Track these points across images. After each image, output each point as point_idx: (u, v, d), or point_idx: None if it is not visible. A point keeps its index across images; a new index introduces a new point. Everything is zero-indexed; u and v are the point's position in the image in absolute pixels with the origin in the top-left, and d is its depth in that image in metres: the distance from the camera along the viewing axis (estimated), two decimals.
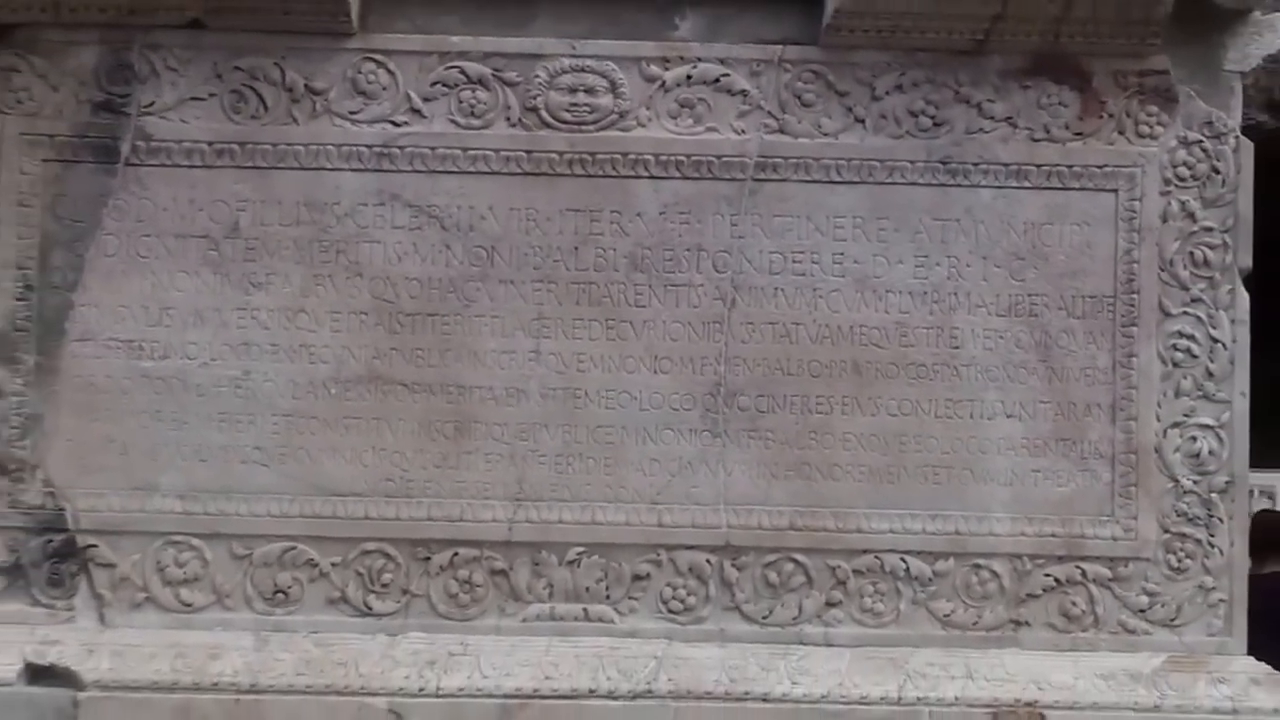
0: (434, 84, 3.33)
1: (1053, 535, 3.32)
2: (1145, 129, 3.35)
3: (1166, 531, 3.33)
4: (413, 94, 3.33)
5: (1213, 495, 3.33)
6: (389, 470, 3.30)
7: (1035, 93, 3.35)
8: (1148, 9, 3.28)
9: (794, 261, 3.33)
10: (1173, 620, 3.33)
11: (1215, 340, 3.33)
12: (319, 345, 3.30)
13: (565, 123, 3.33)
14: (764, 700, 3.25)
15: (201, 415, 3.29)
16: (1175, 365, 3.33)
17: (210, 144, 3.31)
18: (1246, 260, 3.35)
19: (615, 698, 3.24)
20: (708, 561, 3.32)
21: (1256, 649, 3.37)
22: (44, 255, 3.29)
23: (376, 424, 3.31)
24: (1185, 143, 3.35)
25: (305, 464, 3.30)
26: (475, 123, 3.33)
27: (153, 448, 3.30)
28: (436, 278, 3.32)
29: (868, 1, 3.25)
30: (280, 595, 3.30)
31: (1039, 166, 3.34)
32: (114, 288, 3.29)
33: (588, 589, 3.32)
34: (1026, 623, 3.33)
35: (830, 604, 3.33)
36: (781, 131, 3.34)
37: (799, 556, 3.32)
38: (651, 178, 3.33)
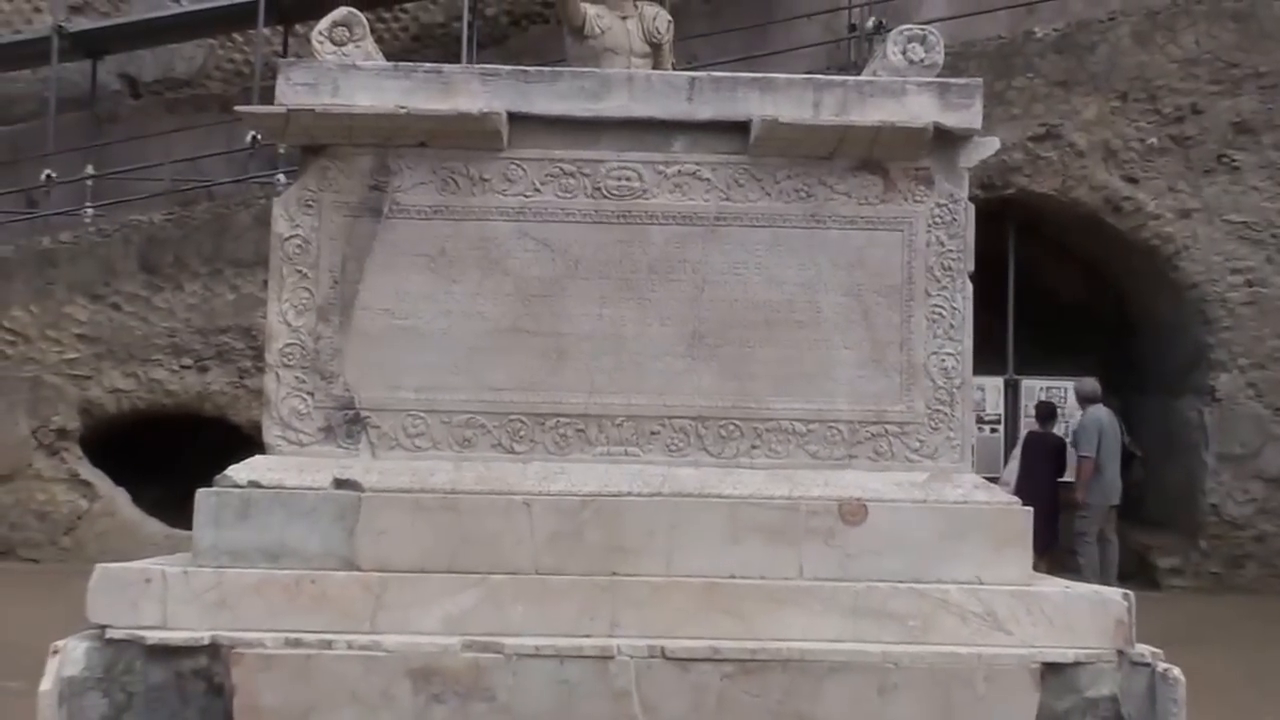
0: (546, 175, 6.54)
1: (869, 410, 6.51)
2: (917, 198, 6.58)
3: (929, 409, 6.52)
4: (535, 180, 6.53)
5: (954, 390, 6.53)
6: (523, 378, 6.48)
7: (860, 180, 6.57)
8: (919, 136, 6.50)
9: (734, 268, 6.53)
10: (933, 454, 6.52)
11: (954, 309, 6.53)
12: (487, 312, 6.49)
13: (614, 195, 6.55)
14: (719, 497, 6.40)
15: (424, 349, 6.46)
16: (934, 322, 6.53)
17: (430, 206, 6.51)
18: (970, 267, 6.56)
19: (640, 496, 6.39)
20: (689, 424, 6.50)
21: None
22: (344, 264, 6.48)
23: (516, 354, 6.49)
24: (939, 205, 6.57)
25: (478, 374, 6.47)
26: (567, 195, 6.54)
27: (398, 366, 6.46)
28: (547, 276, 6.52)
29: (772, 131, 6.46)
30: (466, 442, 6.46)
31: (863, 218, 6.56)
32: (379, 281, 6.48)
33: (626, 439, 6.49)
34: (856, 456, 6.51)
35: (754, 447, 6.51)
36: (728, 200, 6.55)
37: (737, 421, 6.50)
38: (660, 224, 6.54)
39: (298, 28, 16.57)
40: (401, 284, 6.50)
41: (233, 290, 14.60)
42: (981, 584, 6.23)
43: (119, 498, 14.88)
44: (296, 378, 6.45)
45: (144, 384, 14.77)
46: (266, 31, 16.45)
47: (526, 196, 6.54)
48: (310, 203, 6.51)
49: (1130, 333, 16.33)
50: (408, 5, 16.93)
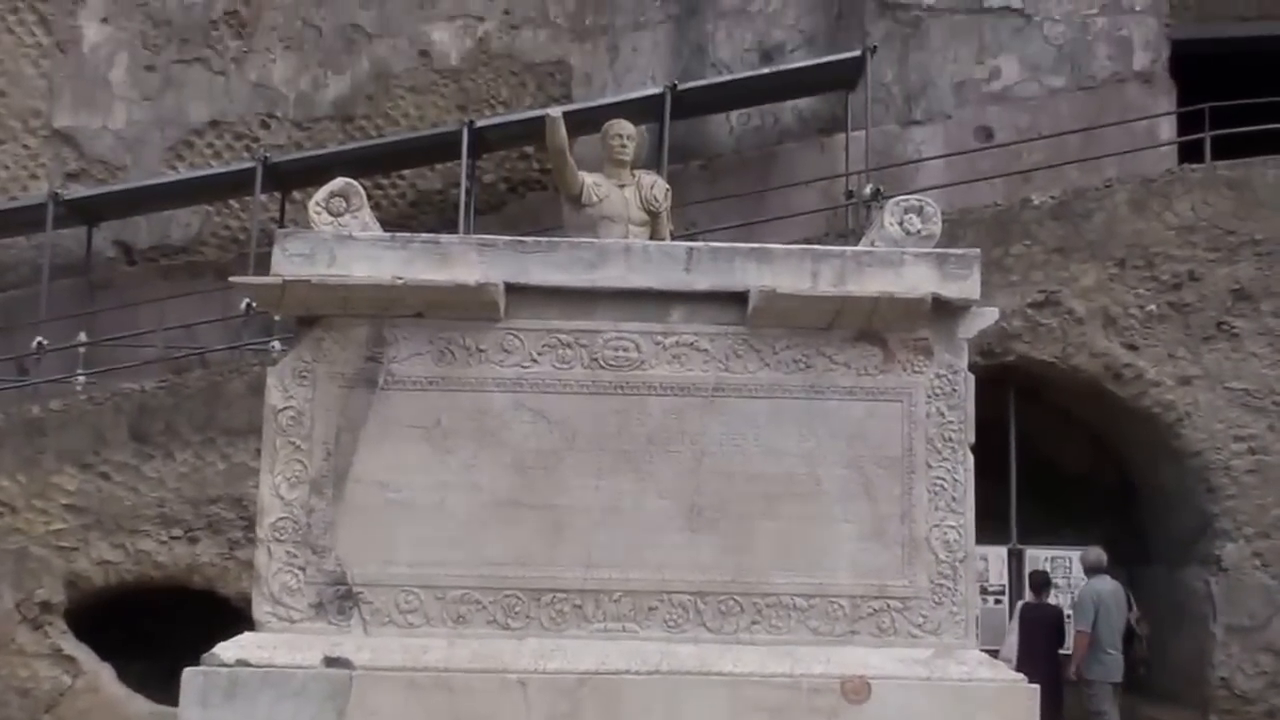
0: (543, 345, 6.58)
1: (871, 584, 6.47)
2: (916, 369, 6.61)
3: (932, 583, 6.48)
4: (532, 351, 6.57)
5: (957, 563, 6.50)
6: (519, 552, 6.44)
7: (859, 350, 6.61)
8: (918, 306, 6.55)
9: (733, 439, 6.54)
10: (936, 630, 6.46)
11: (956, 480, 6.53)
12: (483, 484, 6.48)
13: (612, 365, 6.57)
14: (719, 674, 6.32)
15: (419, 522, 6.44)
16: (935, 494, 6.52)
17: (426, 377, 6.53)
18: (971, 438, 6.57)
19: (639, 674, 6.31)
20: (688, 599, 6.45)
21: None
22: (338, 436, 6.48)
23: (513, 527, 6.46)
24: (938, 376, 6.60)
25: (474, 548, 6.44)
26: (564, 366, 6.56)
27: (392, 540, 6.43)
28: (544, 448, 6.51)
29: (770, 302, 6.51)
30: (460, 619, 6.40)
31: (863, 389, 6.59)
32: (373, 453, 6.48)
33: (624, 615, 6.44)
34: (859, 632, 6.45)
35: (754, 623, 6.45)
36: (727, 370, 6.58)
37: (737, 597, 6.45)
38: (658, 395, 6.56)
39: (295, 194, 16.78)
40: (396, 456, 6.49)
41: (224, 459, 14.56)
42: None
43: (103, 674, 14.67)
44: (288, 552, 6.41)
45: (131, 555, 14.66)
46: (263, 198, 16.66)
47: (523, 367, 6.57)
48: (305, 374, 6.53)
49: (1134, 501, 16.28)
50: (405, 172, 17.17)
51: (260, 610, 6.41)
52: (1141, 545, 15.99)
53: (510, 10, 16.80)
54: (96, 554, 14.45)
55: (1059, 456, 16.49)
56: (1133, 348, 14.61)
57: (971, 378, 6.64)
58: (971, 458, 6.57)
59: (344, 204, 6.65)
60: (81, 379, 16.07)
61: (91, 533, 14.54)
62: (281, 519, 6.44)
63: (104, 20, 17.15)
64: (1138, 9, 16.32)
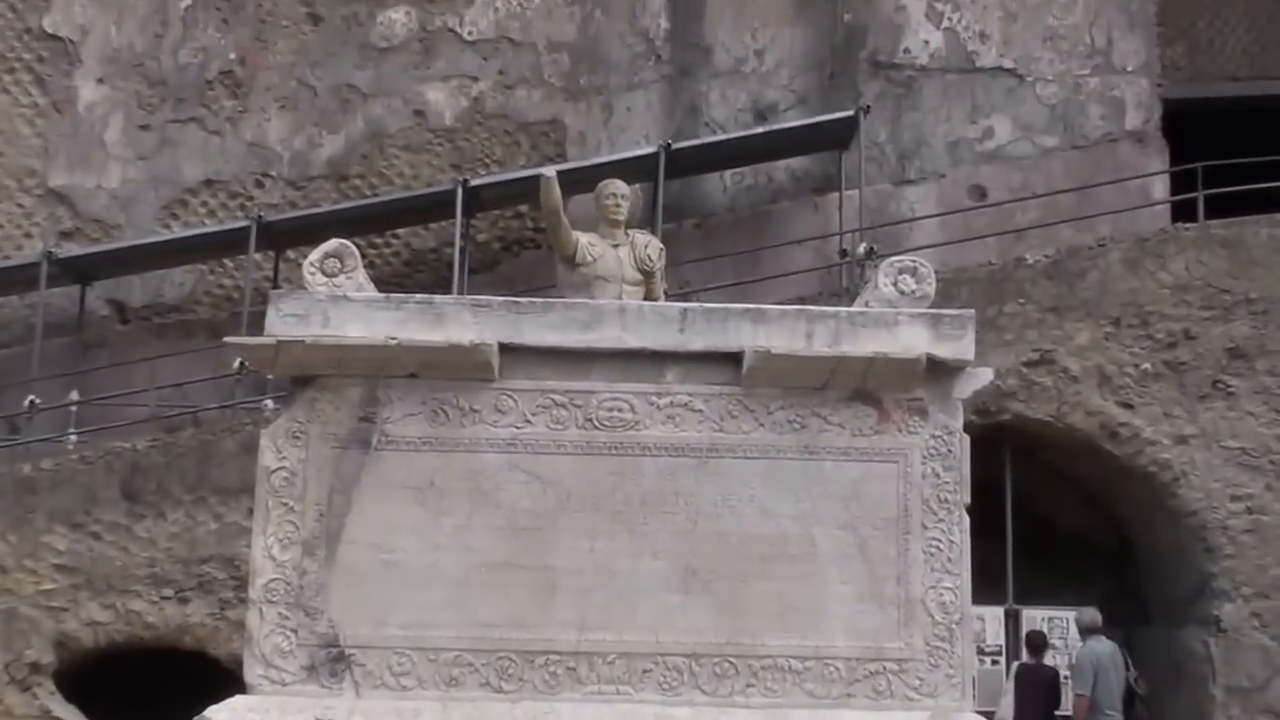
0: (538, 406, 6.58)
1: (867, 647, 6.45)
2: (912, 429, 6.62)
3: (928, 645, 6.46)
4: (526, 411, 6.58)
5: (953, 625, 6.48)
6: (512, 614, 6.43)
7: (854, 410, 6.62)
8: (912, 367, 6.57)
9: (727, 500, 6.54)
10: (933, 693, 6.44)
11: (952, 542, 6.53)
12: (476, 545, 6.47)
13: (606, 426, 6.58)
14: None
15: (412, 584, 6.43)
16: (931, 555, 6.52)
17: (419, 438, 6.54)
18: (966, 499, 6.57)
19: None
20: (683, 662, 6.43)
21: None
22: (331, 497, 6.48)
23: (506, 589, 6.45)
24: (934, 436, 6.61)
25: (467, 610, 6.42)
26: (559, 426, 6.57)
27: (385, 601, 6.42)
28: (538, 509, 6.51)
29: (765, 362, 6.53)
30: (453, 681, 6.38)
31: (858, 449, 6.59)
32: (367, 514, 6.48)
33: (618, 678, 6.41)
34: (855, 695, 6.43)
35: (749, 686, 6.43)
36: (721, 431, 6.59)
37: (732, 659, 6.43)
38: (652, 456, 6.57)
39: (289, 253, 16.82)
40: (389, 517, 6.49)
41: (216, 519, 14.52)
42: None
43: None
44: (280, 614, 6.39)
45: (122, 616, 14.59)
46: (257, 257, 16.70)
47: (518, 428, 6.58)
48: (298, 434, 6.54)
49: (1131, 561, 16.25)
50: (400, 231, 17.22)
51: (252, 673, 6.38)
52: (1139, 605, 15.95)
53: (505, 70, 16.91)
54: (86, 614, 14.39)
55: (1055, 516, 16.47)
56: (1128, 406, 14.63)
57: (967, 438, 6.66)
58: (967, 518, 6.57)
59: (338, 265, 6.68)
60: (73, 438, 16.04)
61: (81, 593, 14.48)
62: (274, 580, 6.43)
63: (100, 80, 17.25)
64: (1130, 69, 16.45)
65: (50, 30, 17.36)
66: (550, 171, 8.74)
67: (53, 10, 17.39)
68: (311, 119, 17.02)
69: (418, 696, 6.35)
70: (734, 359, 6.58)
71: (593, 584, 6.46)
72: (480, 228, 17.08)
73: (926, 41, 16.28)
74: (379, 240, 17.40)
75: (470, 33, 16.97)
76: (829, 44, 16.62)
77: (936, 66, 16.29)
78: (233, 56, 17.17)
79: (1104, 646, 13.86)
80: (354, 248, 6.79)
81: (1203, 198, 15.02)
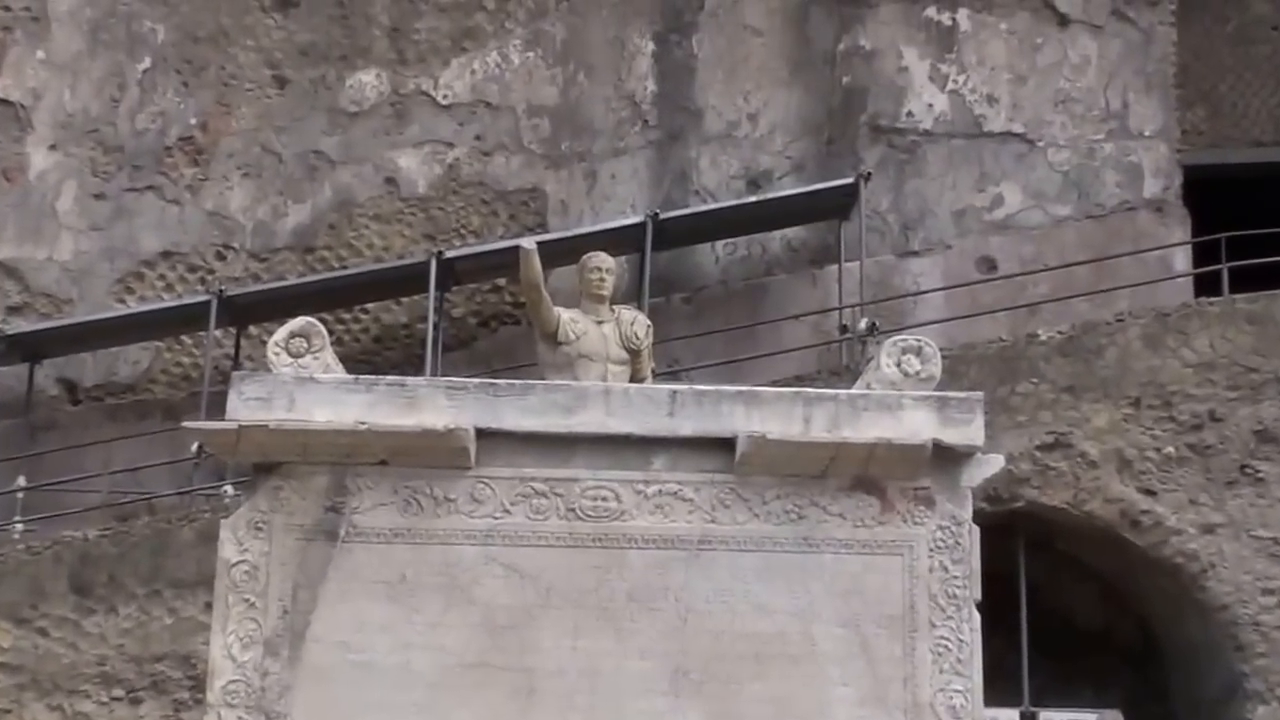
0: (517, 495, 6.61)
1: None
2: (917, 519, 6.65)
3: None
4: (504, 501, 6.60)
5: None
6: (490, 718, 6.42)
7: (855, 500, 6.65)
8: (918, 453, 6.61)
9: (720, 595, 6.55)
10: None
11: (961, 640, 6.54)
12: (450, 644, 6.47)
13: (590, 517, 6.61)
14: None
15: (382, 685, 6.42)
16: (939, 655, 6.53)
17: (390, 529, 6.56)
18: (977, 595, 6.59)
19: None
20: None
21: None
22: (295, 593, 6.48)
23: (482, 691, 6.44)
24: (940, 527, 6.64)
25: (440, 714, 6.41)
26: (539, 517, 6.60)
27: (353, 705, 6.40)
28: (517, 605, 6.52)
29: (759, 449, 6.56)
30: None
31: (860, 541, 6.62)
32: (333, 611, 6.48)
33: None
34: None
35: None
36: (713, 522, 6.62)
37: None
38: (639, 548, 6.59)
39: (252, 329, 16.85)
40: (358, 614, 6.50)
41: (171, 614, 14.46)
42: None
43: None
44: (240, 718, 6.37)
45: (70, 718, 14.50)
46: (217, 334, 16.73)
47: (495, 518, 6.61)
48: (260, 525, 6.56)
49: (1156, 659, 16.19)
50: (369, 305, 17.26)
51: None
52: (1165, 707, 15.88)
53: (482, 136, 17.01)
54: (30, 716, 14.29)
55: (1074, 611, 16.43)
56: (1151, 493, 14.65)
57: (976, 530, 6.69)
58: (978, 615, 6.59)
59: (305, 344, 6.72)
60: (19, 527, 15.98)
61: (26, 693, 14.38)
62: (233, 682, 6.42)
63: (52, 146, 17.35)
64: (1147, 134, 16.60)
65: (0, 95, 17.47)
66: (530, 243, 8.80)
67: (3, 74, 17.50)
68: (276, 187, 17.11)
69: None
70: (726, 445, 6.61)
71: (575, 686, 6.45)
72: (455, 302, 17.14)
73: (930, 105, 16.41)
74: (347, 315, 17.44)
75: (445, 96, 17.11)
76: (826, 107, 16.74)
77: (942, 131, 16.43)
78: (193, 122, 17.28)
79: None
80: (321, 327, 6.83)
81: (1227, 270, 15.09)
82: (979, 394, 6.83)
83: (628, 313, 9.18)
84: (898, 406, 6.67)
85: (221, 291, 16.15)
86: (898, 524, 6.67)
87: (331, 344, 6.98)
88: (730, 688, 6.49)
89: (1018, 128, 16.55)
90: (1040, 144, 16.53)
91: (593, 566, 6.59)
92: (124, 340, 17.48)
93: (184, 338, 17.80)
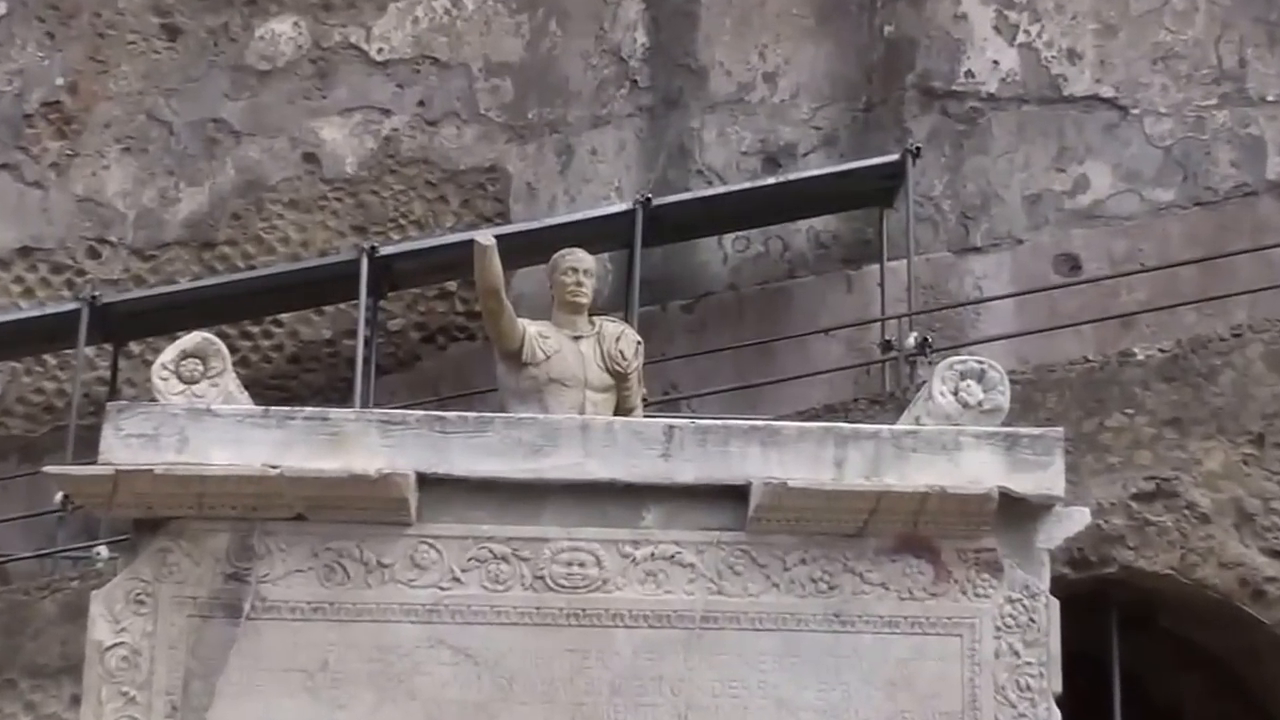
0: (469, 559, 6.61)
1: None
2: (981, 590, 6.65)
3: None
4: (454, 566, 6.60)
5: None
6: None
7: (901, 564, 6.66)
8: (980, 505, 6.61)
9: (730, 688, 6.55)
10: None
11: None
12: None
13: (564, 587, 6.60)
14: None
15: None
16: None
17: (308, 603, 6.55)
18: (1057, 686, 6.59)
19: None
20: None
21: None
22: (187, 684, 6.47)
23: None
24: (1010, 600, 6.64)
25: None
26: (499, 587, 6.59)
27: None
28: (470, 700, 6.51)
29: (779, 499, 6.56)
30: None
31: (906, 619, 6.62)
32: (235, 707, 6.46)
33: None
34: None
35: None
36: (720, 593, 6.62)
37: None
38: (626, 627, 6.59)
39: (133, 346, 16.80)
40: (267, 711, 6.51)
41: (29, 710, 14.40)
42: None
43: None
44: None
45: None
46: (90, 352, 16.66)
47: (442, 589, 6.61)
48: (143, 598, 6.56)
49: None
50: (283, 316, 17.19)
51: None
52: None
53: (426, 101, 16.92)
54: None
55: (1180, 701, 16.42)
56: (1278, 555, 14.66)
57: (1055, 602, 6.69)
58: (1058, 712, 6.59)
59: (200, 367, 6.72)
60: None
61: None
62: None
63: None
64: (1270, 99, 16.57)
65: None
66: (487, 237, 8.78)
67: None
68: (165, 166, 17.07)
69: None
70: (737, 494, 6.62)
71: None
72: (393, 312, 17.10)
73: (996, 62, 16.38)
74: (255, 329, 17.41)
75: (380, 51, 17.07)
76: (864, 65, 16.69)
77: (1010, 95, 16.40)
78: (60, 83, 17.24)
79: None
80: (221, 345, 6.83)
81: None
82: (1058, 430, 6.84)
83: (612, 326, 9.16)
84: (955, 446, 6.68)
85: (95, 298, 16.07)
86: (955, 596, 6.67)
87: (235, 366, 6.96)
88: None
89: (1106, 91, 16.53)
90: (1135, 111, 16.51)
91: (567, 651, 6.58)
92: None
93: (46, 357, 17.74)
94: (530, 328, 8.83)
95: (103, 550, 14.84)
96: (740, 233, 16.49)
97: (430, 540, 6.63)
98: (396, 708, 6.50)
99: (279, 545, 6.60)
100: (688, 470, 6.65)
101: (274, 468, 6.50)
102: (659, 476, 6.66)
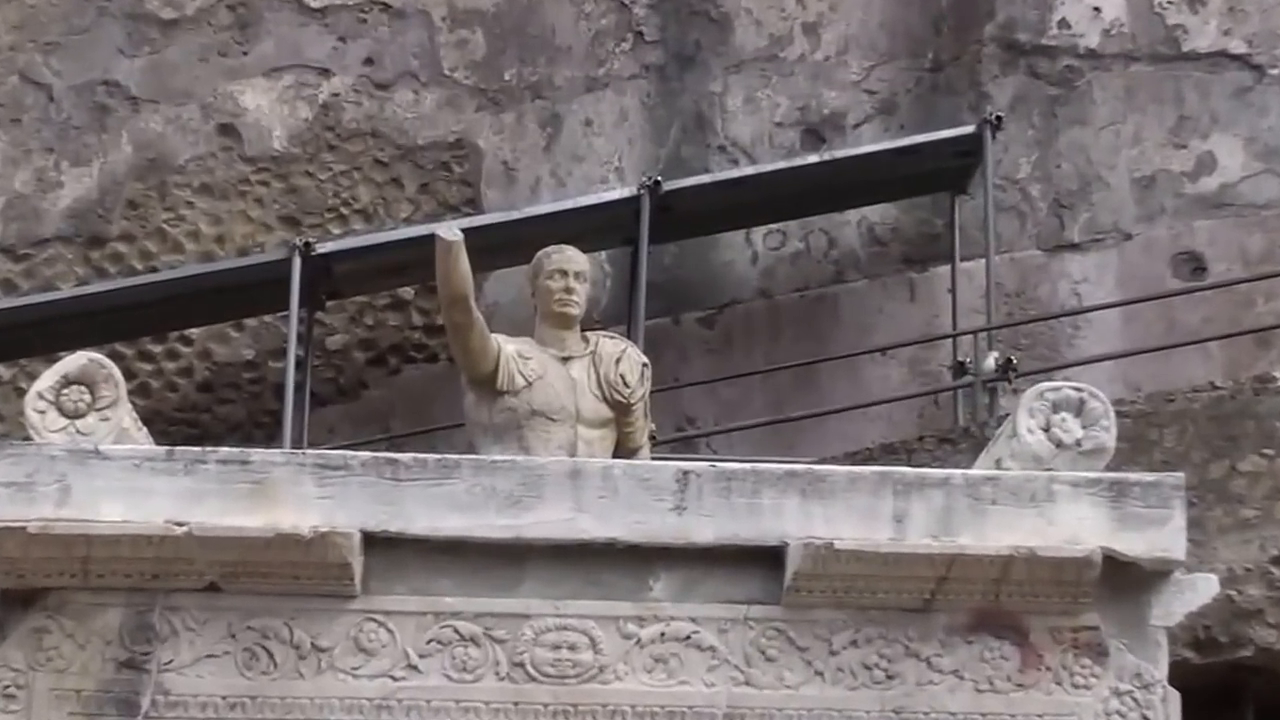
0: (430, 641, 6.59)
1: None
2: (1080, 680, 6.63)
3: None
4: (410, 650, 6.58)
5: None
6: None
7: (979, 647, 6.64)
8: (1079, 571, 6.59)
9: None
10: None
11: None
12: None
13: (549, 676, 6.59)
14: None
15: None
16: None
17: (224, 698, 6.54)
18: None
19: None
20: None
21: None
22: None
23: None
24: (1117, 693, 6.62)
25: None
26: (467, 677, 6.57)
27: None
28: None
29: (823, 565, 6.54)
30: None
31: (984, 715, 6.60)
32: None
33: None
34: None
35: None
36: (748, 684, 6.60)
37: None
38: None
39: (1, 371, 16.82)
40: None
41: None
42: None
43: None
44: None
45: None
46: None
47: (395, 679, 6.60)
48: (13, 691, 6.55)
49: None
50: (193, 332, 17.16)
51: None
52: None
53: (375, 59, 16.85)
54: None
55: None
56: None
57: (1175, 695, 6.67)
58: None
59: (87, 397, 6.70)
60: None
61: None
62: None
63: None
64: None
65: None
66: (453, 232, 8.74)
67: None
68: (43, 141, 17.06)
69: None
70: (770, 558, 6.61)
71: None
72: (333, 326, 17.07)
73: (1098, 10, 16.32)
74: (157, 349, 17.39)
75: None
76: (930, 14, 16.66)
77: (1116, 51, 16.36)
78: None
79: None
80: (114, 369, 6.81)
81: None
82: (1178, 475, 6.81)
83: (611, 344, 9.09)
84: (1047, 497, 6.66)
85: None
86: (1048, 687, 6.65)
87: (132, 395, 6.95)
88: None
89: (1237, 46, 16.48)
90: (1274, 72, 16.47)
91: None
92: None
93: None
94: (507, 346, 8.76)
95: None
96: (774, 225, 16.41)
97: (379, 617, 6.60)
98: None
99: (186, 624, 6.57)
100: (707, 528, 6.63)
101: (180, 525, 6.47)
102: (671, 536, 6.63)
